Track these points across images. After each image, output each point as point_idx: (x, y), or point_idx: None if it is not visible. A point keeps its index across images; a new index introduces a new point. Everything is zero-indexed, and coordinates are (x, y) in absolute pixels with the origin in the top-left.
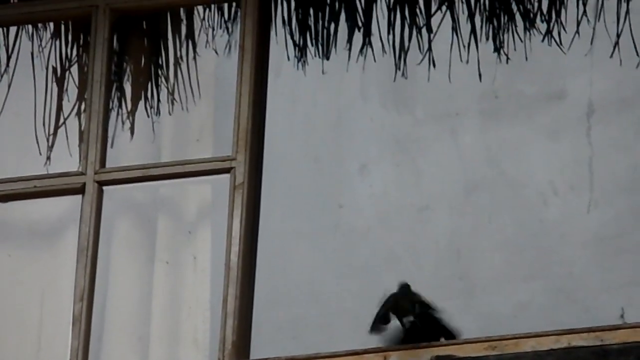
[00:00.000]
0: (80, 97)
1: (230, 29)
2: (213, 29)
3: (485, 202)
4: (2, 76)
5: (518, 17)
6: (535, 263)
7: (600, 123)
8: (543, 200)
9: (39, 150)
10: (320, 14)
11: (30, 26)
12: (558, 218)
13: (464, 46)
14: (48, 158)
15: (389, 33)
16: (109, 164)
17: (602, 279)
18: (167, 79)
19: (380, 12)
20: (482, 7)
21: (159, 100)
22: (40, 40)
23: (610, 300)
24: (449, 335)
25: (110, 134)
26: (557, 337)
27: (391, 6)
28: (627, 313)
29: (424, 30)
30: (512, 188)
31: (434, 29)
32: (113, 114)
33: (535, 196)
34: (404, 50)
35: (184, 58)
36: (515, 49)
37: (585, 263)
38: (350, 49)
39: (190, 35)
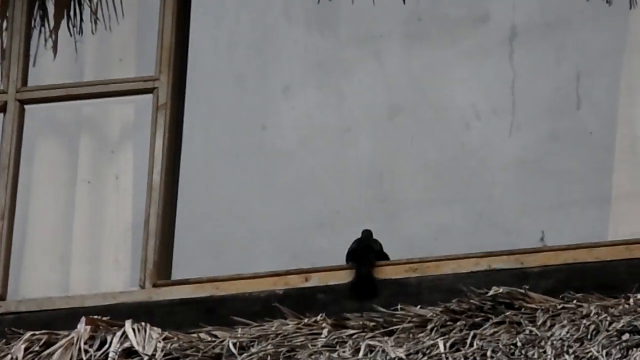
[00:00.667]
0: (1, 15)
1: None
2: None
3: (408, 125)
4: None
5: None
6: (457, 186)
7: (523, 47)
8: (465, 124)
9: None
10: None
11: None
12: (480, 141)
13: None
14: None
15: None
16: (31, 83)
17: (522, 202)
18: None
19: None
20: None
21: (81, 19)
22: None
23: (530, 224)
24: None
25: (32, 52)
26: (477, 259)
27: None
28: (547, 236)
29: None
30: (434, 111)
31: None
32: (35, 33)
33: (457, 119)
34: None
35: None
36: None
37: (506, 186)
38: None
39: None
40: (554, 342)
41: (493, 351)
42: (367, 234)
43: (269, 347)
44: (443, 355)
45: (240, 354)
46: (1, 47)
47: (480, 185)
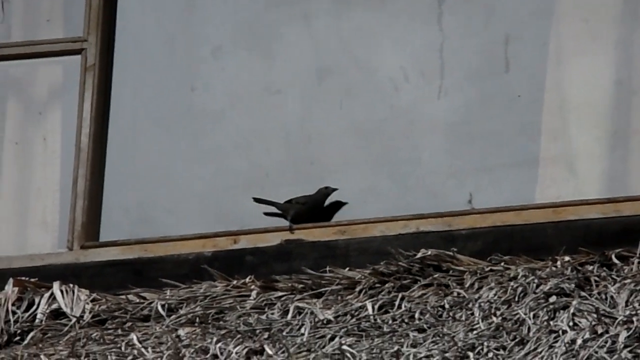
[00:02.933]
0: None
1: None
2: None
3: (337, 87)
4: None
5: None
6: (385, 149)
7: (452, 10)
8: (394, 86)
9: None
10: None
11: None
12: (408, 104)
13: None
14: None
15: None
16: None
17: (450, 165)
18: None
19: None
20: None
21: None
22: None
23: (458, 186)
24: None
25: None
26: (405, 222)
27: None
28: (475, 199)
29: None
30: (363, 73)
31: None
32: None
33: (386, 82)
34: None
35: None
36: None
37: (434, 149)
38: None
39: None
40: (482, 304)
41: (421, 313)
42: None
43: (197, 308)
44: (371, 317)
45: (169, 316)
46: None
47: (409, 147)
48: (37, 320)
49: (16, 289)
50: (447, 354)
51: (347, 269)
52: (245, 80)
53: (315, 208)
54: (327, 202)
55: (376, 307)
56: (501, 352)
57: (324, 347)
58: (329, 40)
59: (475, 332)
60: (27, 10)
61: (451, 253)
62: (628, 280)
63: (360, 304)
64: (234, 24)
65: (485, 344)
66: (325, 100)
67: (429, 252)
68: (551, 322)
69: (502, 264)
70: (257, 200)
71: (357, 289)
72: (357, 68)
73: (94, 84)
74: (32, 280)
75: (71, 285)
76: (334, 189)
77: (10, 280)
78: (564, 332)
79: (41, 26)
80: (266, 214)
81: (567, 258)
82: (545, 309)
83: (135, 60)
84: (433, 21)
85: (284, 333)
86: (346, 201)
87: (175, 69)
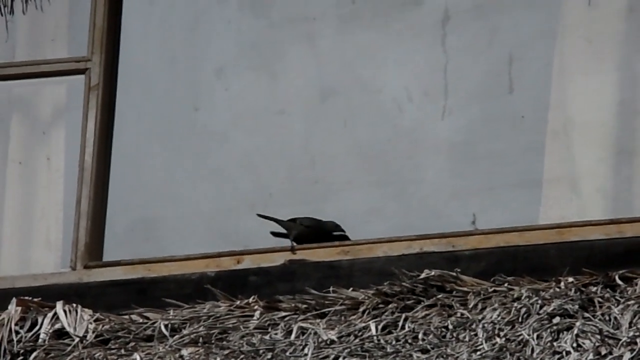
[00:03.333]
0: None
1: None
2: None
3: (341, 107)
4: None
5: None
6: (389, 169)
7: (455, 30)
8: (398, 106)
9: None
10: None
11: None
12: (412, 124)
13: None
14: None
15: None
16: None
17: (454, 185)
18: None
19: None
20: None
21: None
22: None
23: (462, 207)
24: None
25: None
26: (409, 242)
27: None
28: (479, 219)
29: None
30: (367, 94)
31: None
32: None
33: (390, 102)
34: None
35: None
36: None
37: (438, 169)
38: None
39: None
40: (485, 325)
41: (424, 334)
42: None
43: (200, 329)
44: (375, 337)
45: (172, 336)
46: None
47: (413, 168)
48: (40, 340)
49: (19, 308)
50: None
51: (351, 289)
52: (248, 100)
53: (319, 236)
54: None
55: (380, 327)
56: None
57: None
58: (332, 60)
59: (478, 353)
60: (31, 29)
61: (454, 274)
62: (632, 302)
63: (363, 325)
64: (238, 44)
65: None
66: (328, 120)
67: (433, 273)
68: (555, 343)
69: (506, 284)
70: (261, 216)
71: (361, 310)
72: (361, 88)
73: (97, 104)
74: (35, 300)
75: (74, 305)
76: (343, 231)
77: (14, 300)
78: (568, 353)
79: (45, 46)
80: (273, 233)
81: (570, 279)
82: (548, 330)
83: (139, 80)
84: (437, 42)
85: (288, 353)
86: (350, 238)
87: (178, 88)
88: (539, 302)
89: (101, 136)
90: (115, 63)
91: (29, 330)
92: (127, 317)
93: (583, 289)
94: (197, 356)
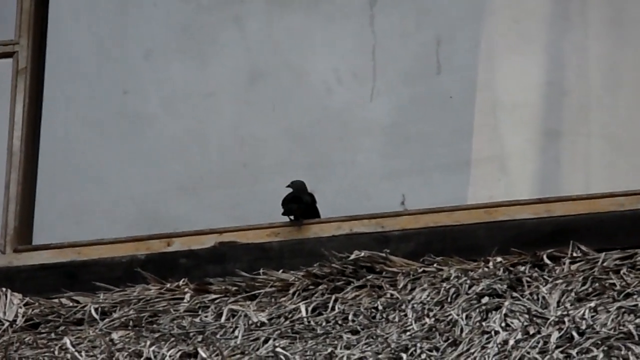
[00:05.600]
0: None
1: None
2: None
3: (270, 89)
4: None
5: None
6: (319, 151)
7: (384, 12)
8: (327, 88)
9: None
10: None
11: None
12: (341, 106)
13: None
14: None
15: None
16: None
17: (383, 166)
18: None
19: None
20: None
21: None
22: None
23: (391, 188)
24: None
25: None
26: (339, 223)
27: None
28: (408, 200)
29: None
30: (296, 76)
31: None
32: None
33: (319, 84)
34: None
35: None
36: None
37: (367, 151)
38: None
39: None
40: (415, 305)
41: (354, 315)
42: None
43: (131, 312)
44: (305, 319)
45: (102, 319)
46: None
47: (342, 150)
48: None
49: None
50: (380, 356)
51: (281, 271)
52: (178, 83)
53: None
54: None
55: (310, 309)
56: (434, 353)
57: (257, 349)
58: (261, 43)
59: (408, 333)
60: None
61: (384, 254)
62: (559, 281)
63: (293, 306)
64: (167, 27)
65: (419, 345)
66: (258, 102)
67: (362, 254)
68: (483, 323)
69: (435, 265)
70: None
71: (291, 291)
72: (290, 70)
73: (25, 87)
74: None
75: (4, 289)
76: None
77: None
78: (497, 332)
79: None
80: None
81: (499, 259)
82: (477, 310)
83: (67, 63)
84: (365, 23)
85: (218, 336)
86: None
87: (107, 72)
88: (468, 282)
89: (29, 120)
90: (43, 46)
91: None
92: (57, 301)
93: (511, 268)
94: (127, 339)
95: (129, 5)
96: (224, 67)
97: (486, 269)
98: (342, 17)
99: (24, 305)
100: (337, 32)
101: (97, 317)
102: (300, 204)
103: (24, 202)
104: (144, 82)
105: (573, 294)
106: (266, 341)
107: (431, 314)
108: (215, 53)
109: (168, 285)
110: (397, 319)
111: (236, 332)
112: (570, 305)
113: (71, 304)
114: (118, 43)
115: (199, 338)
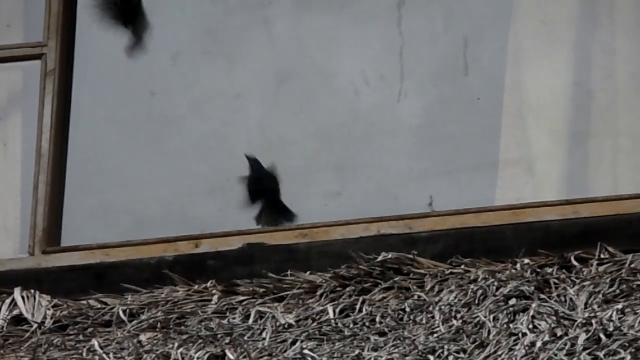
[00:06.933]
0: None
1: None
2: None
3: (297, 91)
4: None
5: None
6: (346, 152)
7: (411, 13)
8: (354, 90)
9: None
10: None
11: None
12: (368, 107)
13: None
14: None
15: None
16: None
17: (411, 167)
18: None
19: None
20: None
21: None
22: None
23: (419, 189)
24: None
25: None
26: (366, 224)
27: None
28: (435, 201)
29: None
30: (323, 77)
31: None
32: None
33: (346, 85)
34: None
35: None
36: None
37: (395, 152)
38: None
39: None
40: (442, 307)
41: (382, 316)
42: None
43: (159, 314)
44: (332, 321)
45: (130, 321)
46: None
47: (369, 151)
48: None
49: None
50: (407, 358)
51: (309, 272)
52: (205, 85)
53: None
54: None
55: (337, 310)
56: (461, 355)
57: (285, 351)
58: (288, 44)
59: (435, 335)
60: None
61: (411, 256)
62: (587, 282)
63: (321, 308)
64: (193, 30)
65: (446, 347)
66: (285, 104)
67: (390, 255)
68: (511, 325)
69: (462, 266)
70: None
71: (318, 293)
72: (317, 72)
73: (54, 89)
74: None
75: (32, 290)
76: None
77: None
78: (524, 334)
79: (1, 31)
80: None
81: (526, 260)
82: (505, 312)
83: (95, 65)
84: (392, 24)
85: (246, 337)
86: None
87: (135, 74)
88: (495, 283)
89: (58, 122)
90: (71, 48)
91: None
92: (85, 302)
93: (539, 270)
94: (155, 341)
95: (156, 7)
96: (251, 69)
97: (513, 271)
98: (370, 18)
99: (52, 307)
100: (365, 34)
101: (125, 318)
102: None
103: (52, 204)
104: (171, 84)
105: (600, 295)
106: (293, 343)
107: (458, 315)
108: (242, 55)
109: (196, 286)
110: (424, 321)
111: (264, 334)
112: (598, 307)
113: (99, 306)
114: (145, 44)
115: (227, 340)
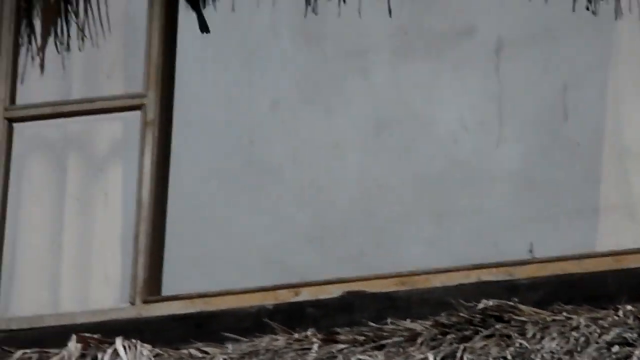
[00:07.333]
0: None
1: None
2: None
3: (396, 139)
4: None
5: None
6: (445, 199)
7: (509, 59)
8: (453, 137)
9: None
10: None
11: None
12: (468, 154)
13: None
14: None
15: None
16: (19, 101)
17: (511, 214)
18: (77, 15)
19: None
20: None
21: (69, 36)
22: None
23: (519, 235)
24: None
25: (20, 70)
26: (467, 272)
27: None
28: (536, 248)
29: None
30: (422, 125)
31: None
32: (23, 50)
33: (445, 133)
34: None
35: None
36: None
37: (494, 199)
38: None
39: None
40: (544, 354)
41: None
42: None
43: None
44: None
45: None
46: None
47: (469, 197)
48: None
49: (79, 345)
50: None
51: (409, 320)
52: (304, 134)
53: None
54: None
55: (438, 358)
56: None
57: None
58: (387, 92)
59: None
60: (87, 67)
61: (512, 303)
62: None
63: (422, 356)
64: (293, 78)
65: None
66: (384, 152)
67: (490, 303)
68: None
69: (564, 313)
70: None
71: (419, 341)
72: (416, 119)
73: (153, 139)
74: (95, 336)
75: (134, 340)
76: None
77: (73, 337)
78: None
79: (101, 82)
80: None
81: (629, 307)
82: (607, 359)
83: (194, 114)
84: (491, 71)
85: None
86: None
87: (234, 122)
88: (597, 330)
89: (158, 171)
90: (171, 98)
91: None
92: (186, 351)
93: None
94: None
95: (256, 56)
96: (349, 117)
97: (616, 318)
98: (468, 66)
99: (154, 356)
100: (463, 81)
101: None
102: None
103: (153, 254)
104: (270, 133)
105: None
106: None
107: None
108: (341, 103)
109: (296, 335)
110: None
111: None
112: None
113: (200, 355)
114: (244, 94)
115: None
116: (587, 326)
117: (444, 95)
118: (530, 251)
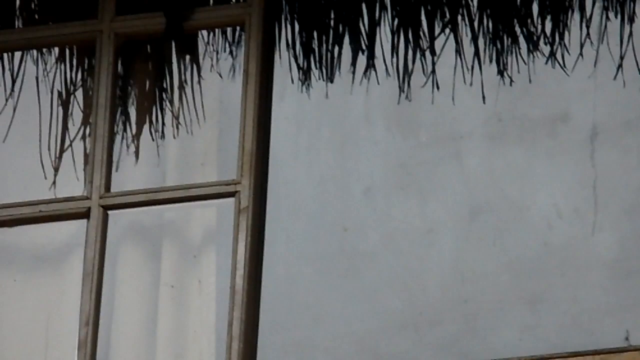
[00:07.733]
0: (85, 121)
1: (234, 53)
2: (217, 53)
3: (490, 225)
4: (7, 100)
5: (521, 39)
6: (540, 286)
7: (604, 145)
8: (547, 223)
9: (45, 174)
10: (324, 37)
11: (35, 51)
12: (562, 241)
13: (468, 69)
14: (53, 182)
15: (392, 56)
16: (114, 188)
17: (607, 302)
18: (171, 103)
19: (384, 35)
20: (485, 29)
21: (163, 124)
22: (45, 65)
23: (615, 323)
24: None
25: (115, 158)
26: (562, 359)
27: (395, 29)
28: (632, 335)
29: (427, 53)
30: (516, 211)
31: (438, 51)
32: (118, 138)
33: (539, 219)
34: (407, 73)
35: (189, 82)
36: (518, 72)
37: (589, 286)
38: (354, 72)
39: (195, 59)
40: None
41: None
42: None
43: None
44: None
45: None
46: (84, 153)
47: (564, 285)
48: None
49: None
50: None
51: None
52: (397, 220)
53: None
54: None
55: None
56: None
57: None
58: (481, 178)
59: None
60: (181, 154)
61: None
62: None
63: None
64: (385, 164)
65: None
66: (478, 238)
67: None
68: None
69: None
70: None
71: None
72: (510, 205)
73: (247, 226)
74: None
75: None
76: None
77: None
78: None
79: (195, 169)
80: None
81: None
82: None
83: (287, 201)
84: (586, 157)
85: None
86: None
87: (327, 209)
88: None
89: (251, 258)
90: (265, 185)
91: None
92: None
93: None
94: None
95: (348, 143)
96: (443, 203)
97: None
98: (563, 152)
99: None
100: (558, 167)
101: None
102: None
103: (247, 341)
104: (363, 219)
105: None
106: None
107: None
108: (434, 189)
109: None
110: None
111: None
112: None
113: None
114: (337, 180)
115: None
116: None
117: (538, 181)
118: (627, 339)
